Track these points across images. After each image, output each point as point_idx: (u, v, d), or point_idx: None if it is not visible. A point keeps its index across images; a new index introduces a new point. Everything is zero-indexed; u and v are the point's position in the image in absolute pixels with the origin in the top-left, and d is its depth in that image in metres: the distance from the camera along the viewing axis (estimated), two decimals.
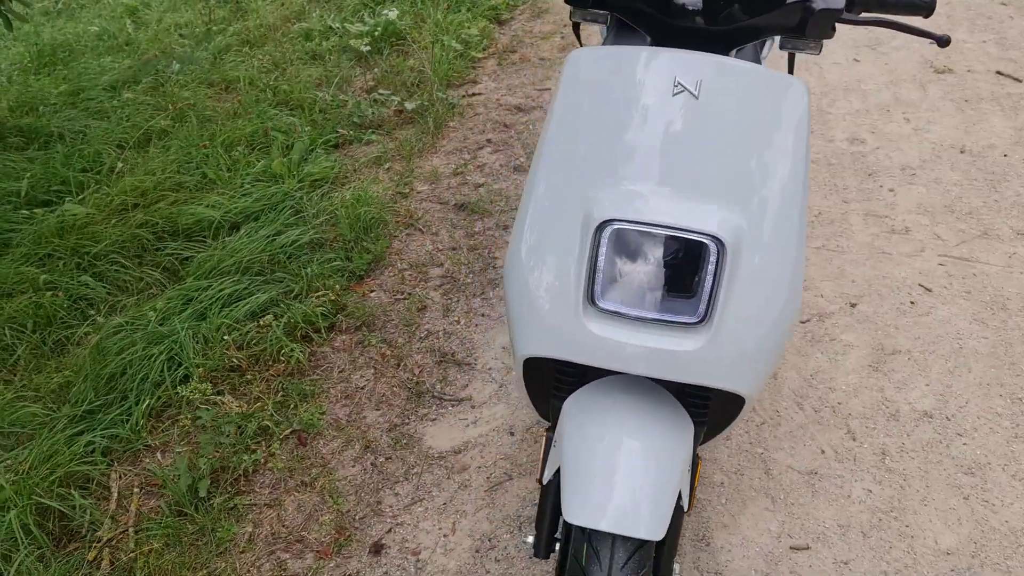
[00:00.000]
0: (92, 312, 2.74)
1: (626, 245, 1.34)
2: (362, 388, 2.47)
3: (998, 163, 3.15)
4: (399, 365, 2.54)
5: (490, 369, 2.50)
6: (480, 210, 3.18)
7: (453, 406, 2.40)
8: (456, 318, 2.70)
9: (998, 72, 3.73)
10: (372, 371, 2.53)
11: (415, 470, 2.22)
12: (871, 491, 2.04)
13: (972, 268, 2.67)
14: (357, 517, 2.10)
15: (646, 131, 1.35)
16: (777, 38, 1.84)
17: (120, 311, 2.75)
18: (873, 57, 3.95)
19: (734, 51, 1.49)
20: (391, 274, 2.91)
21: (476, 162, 3.51)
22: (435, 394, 2.44)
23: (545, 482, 1.54)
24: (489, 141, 3.65)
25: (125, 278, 2.89)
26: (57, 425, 2.33)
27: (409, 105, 3.90)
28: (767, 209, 1.33)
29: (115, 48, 5.02)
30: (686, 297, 1.35)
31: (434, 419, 2.36)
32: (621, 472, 1.36)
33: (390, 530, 2.07)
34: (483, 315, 2.71)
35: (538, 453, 2.22)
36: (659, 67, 1.37)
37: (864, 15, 1.44)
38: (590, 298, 1.34)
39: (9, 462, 2.24)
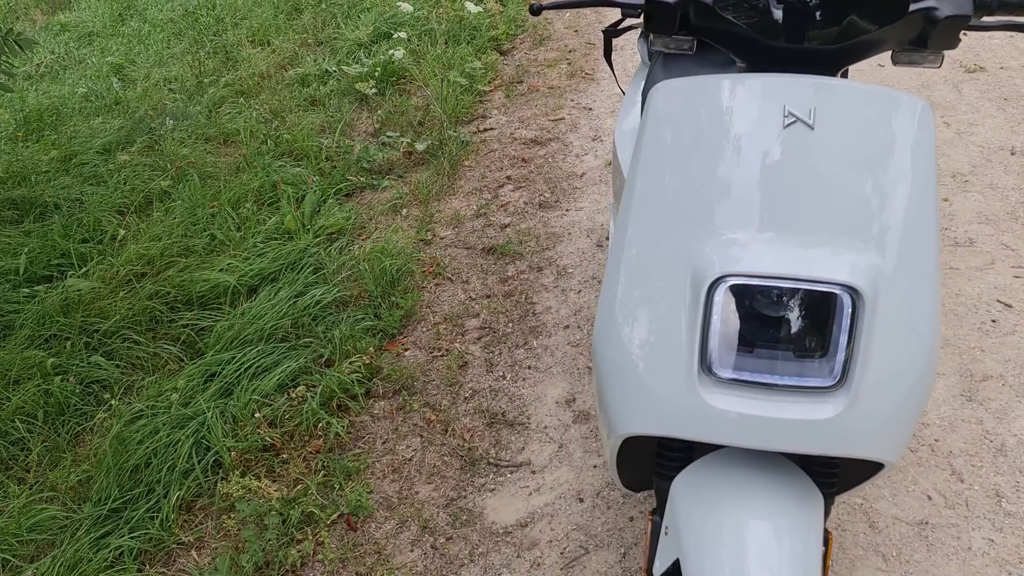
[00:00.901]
0: (107, 396, 2.53)
1: (742, 302, 1.16)
2: (410, 459, 2.27)
3: None
4: (447, 431, 2.34)
5: (546, 428, 2.31)
6: (510, 252, 3.00)
7: (511, 472, 2.20)
8: (501, 373, 2.51)
9: None
10: (418, 439, 2.33)
11: (480, 550, 2.01)
12: (993, 540, 1.84)
13: None
14: None
15: (755, 169, 1.17)
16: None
17: (137, 392, 2.55)
18: None
19: (839, 72, 1.32)
20: (425, 329, 2.72)
21: (498, 201, 3.34)
22: (490, 460, 2.23)
23: (658, 575, 1.34)
24: (509, 178, 3.48)
25: (139, 355, 2.69)
26: (80, 528, 2.12)
27: (420, 146, 3.73)
28: (903, 249, 1.15)
29: (104, 108, 4.85)
30: (816, 356, 1.16)
31: (493, 489, 2.16)
32: (754, 559, 1.17)
33: None
34: (529, 367, 2.51)
35: (614, 521, 2.02)
36: (765, 95, 1.19)
37: (986, 19, 1.27)
38: (705, 366, 1.16)
39: (31, 575, 2.03)
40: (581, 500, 2.09)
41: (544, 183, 3.41)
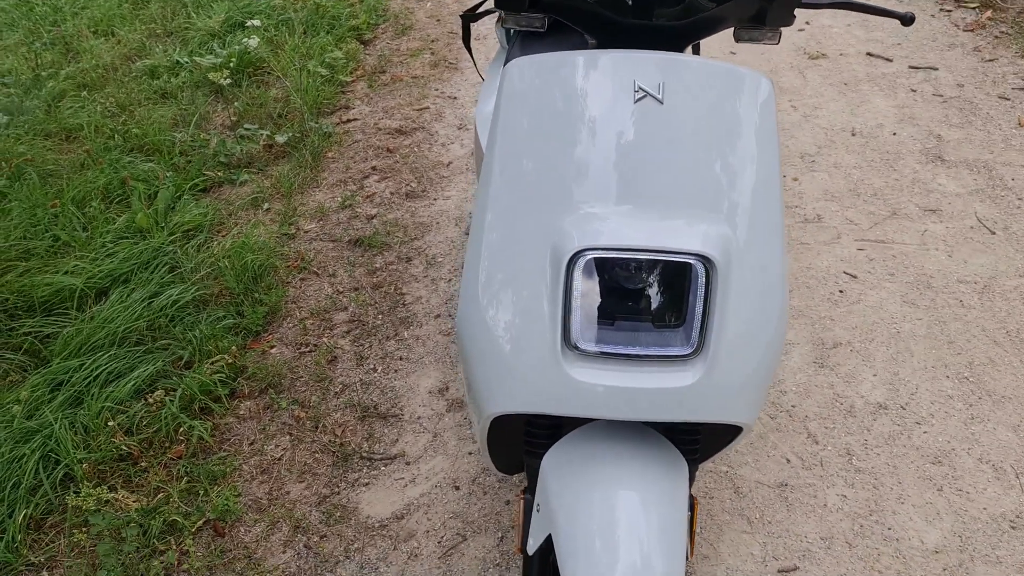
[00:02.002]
0: None
1: (601, 275, 1.17)
2: (279, 459, 2.19)
3: (889, 142, 3.19)
4: (317, 427, 2.27)
5: (419, 418, 2.28)
6: (378, 244, 2.95)
7: (386, 465, 2.16)
8: (372, 366, 2.46)
9: (868, 54, 3.82)
10: (288, 438, 2.25)
11: (356, 545, 1.96)
12: (846, 496, 1.95)
13: (890, 249, 2.66)
14: None
15: (609, 144, 1.19)
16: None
17: None
18: (747, 47, 3.98)
19: (688, 48, 1.35)
20: (291, 325, 2.63)
21: (364, 192, 3.27)
22: (363, 455, 2.19)
23: (531, 552, 1.34)
24: (374, 169, 3.42)
25: None
26: None
27: (280, 138, 3.61)
28: (750, 218, 1.19)
29: None
30: (674, 326, 1.19)
31: (367, 483, 2.11)
32: (623, 529, 1.19)
33: None
34: (401, 359, 2.47)
35: (491, 507, 2.01)
36: (616, 71, 1.20)
37: None
38: (568, 341, 1.17)
39: None
40: (457, 488, 2.07)
41: (410, 173, 3.36)
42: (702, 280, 1.14)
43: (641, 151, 1.18)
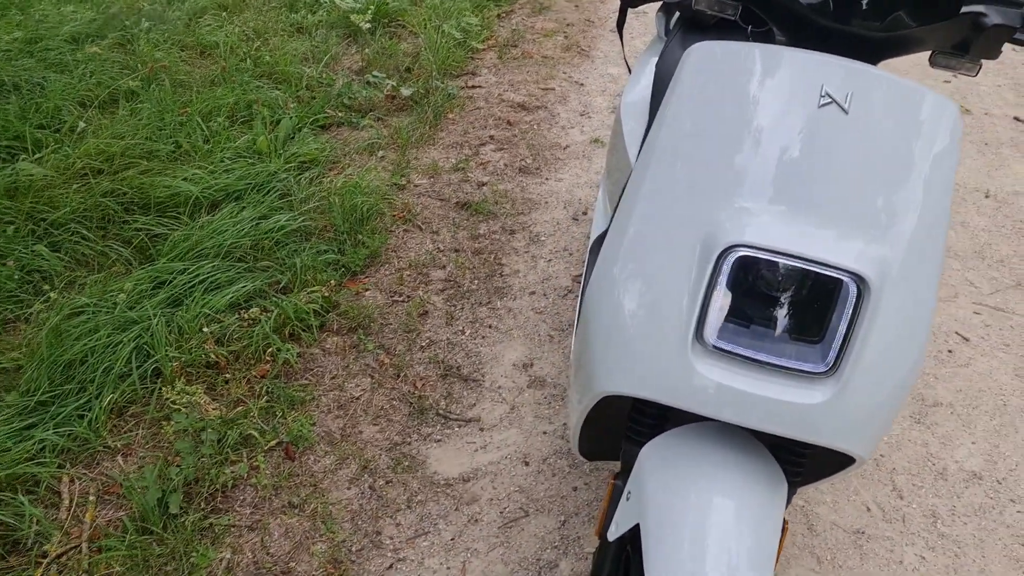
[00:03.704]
0: (47, 287, 2.41)
1: (746, 276, 1.14)
2: (357, 399, 2.21)
3: None
4: (399, 376, 2.28)
5: (499, 388, 2.27)
6: (484, 211, 2.95)
7: (460, 427, 2.15)
8: (460, 327, 2.46)
9: (1016, 118, 3.67)
10: (368, 380, 2.26)
11: (419, 498, 1.97)
12: (924, 558, 1.87)
13: (1009, 320, 2.54)
14: (354, 549, 1.84)
15: (783, 145, 1.15)
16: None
17: (80, 288, 2.43)
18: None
19: (880, 63, 1.30)
20: (388, 273, 2.65)
21: (478, 159, 3.27)
22: (439, 412, 2.19)
23: (612, 539, 1.32)
24: (492, 138, 3.42)
25: (86, 252, 2.56)
26: (2, 416, 2.01)
27: (405, 91, 3.64)
28: (911, 245, 1.14)
29: None
30: (811, 341, 1.15)
31: (439, 440, 2.12)
32: (715, 536, 1.15)
33: (391, 566, 1.81)
34: (490, 327, 2.47)
35: (557, 489, 1.99)
36: (805, 72, 1.17)
37: None
38: (699, 335, 1.14)
39: None
40: (527, 464, 2.06)
41: (527, 149, 3.35)
42: (852, 299, 1.10)
43: (813, 158, 1.14)
